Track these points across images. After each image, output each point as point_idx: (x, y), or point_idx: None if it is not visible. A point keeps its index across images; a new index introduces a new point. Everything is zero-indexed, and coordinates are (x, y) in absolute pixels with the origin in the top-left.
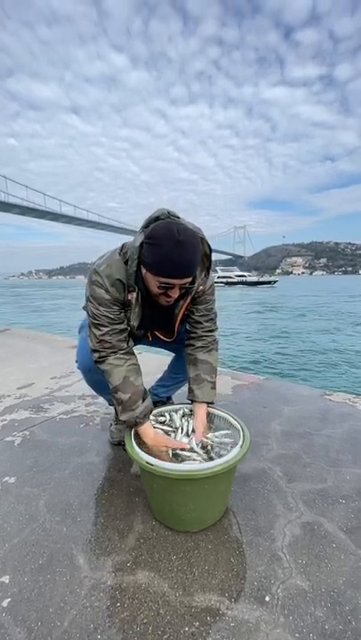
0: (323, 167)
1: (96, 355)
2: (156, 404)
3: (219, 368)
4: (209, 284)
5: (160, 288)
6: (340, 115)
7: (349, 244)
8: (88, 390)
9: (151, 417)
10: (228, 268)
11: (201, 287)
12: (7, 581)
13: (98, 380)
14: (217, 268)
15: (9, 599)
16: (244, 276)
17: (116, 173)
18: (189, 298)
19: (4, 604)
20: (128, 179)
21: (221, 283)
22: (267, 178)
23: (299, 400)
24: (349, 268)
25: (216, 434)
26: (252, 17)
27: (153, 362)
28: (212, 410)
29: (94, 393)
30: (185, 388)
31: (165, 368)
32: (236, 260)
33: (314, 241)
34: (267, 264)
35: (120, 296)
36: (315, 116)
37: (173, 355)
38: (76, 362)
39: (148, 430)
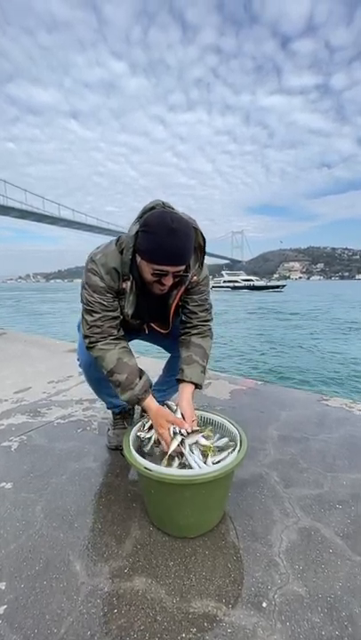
0: (319, 173)
1: (87, 340)
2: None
3: (216, 373)
4: (203, 274)
5: (154, 275)
6: (336, 122)
7: (346, 249)
8: (85, 394)
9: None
10: (234, 272)
11: (195, 277)
12: (3, 588)
13: (99, 377)
14: (223, 273)
15: (5, 606)
16: (252, 280)
17: (115, 178)
18: (183, 288)
19: (1, 610)
20: (127, 183)
21: (228, 287)
22: (264, 183)
23: (296, 405)
24: (346, 273)
25: (217, 442)
26: (250, 27)
27: (151, 365)
28: (209, 415)
29: (92, 397)
30: None
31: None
32: (233, 265)
33: (311, 246)
34: (264, 269)
35: (114, 284)
36: (311, 124)
37: (169, 355)
38: (78, 360)
39: (151, 404)
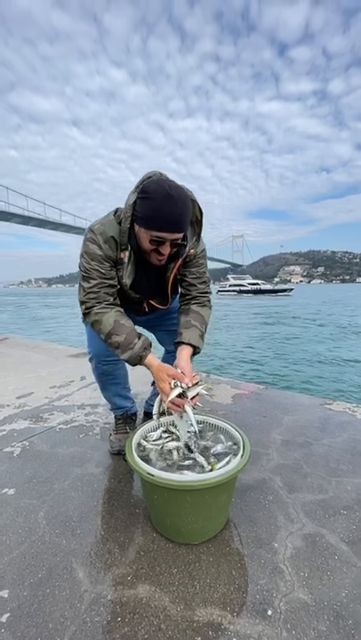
0: (318, 178)
1: (83, 307)
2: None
3: (218, 377)
4: (200, 247)
5: (152, 243)
6: (334, 127)
7: (346, 252)
8: (87, 399)
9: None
10: (240, 276)
11: (192, 250)
12: (6, 596)
13: (106, 371)
14: (229, 277)
15: (8, 614)
16: (258, 284)
17: (115, 184)
18: (180, 261)
19: (3, 619)
20: (127, 189)
21: (234, 291)
22: (264, 188)
23: (299, 409)
24: (347, 277)
25: (218, 449)
26: (248, 35)
27: None
28: (212, 419)
29: (94, 402)
30: None
31: None
32: (234, 269)
33: (311, 250)
34: (265, 272)
35: (112, 254)
36: (309, 129)
37: (163, 356)
38: (89, 353)
39: (153, 361)
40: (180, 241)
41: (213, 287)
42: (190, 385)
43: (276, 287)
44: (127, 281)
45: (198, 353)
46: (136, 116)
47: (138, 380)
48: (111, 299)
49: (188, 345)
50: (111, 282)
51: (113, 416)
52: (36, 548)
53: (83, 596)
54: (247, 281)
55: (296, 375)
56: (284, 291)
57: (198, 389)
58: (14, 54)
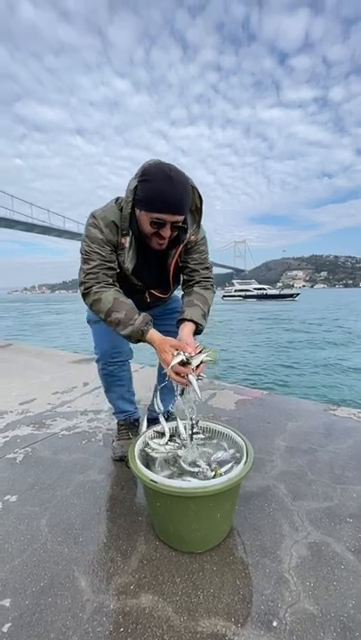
0: (320, 183)
1: (82, 287)
2: (156, 420)
3: (222, 383)
4: (201, 234)
5: (152, 226)
6: (335, 134)
7: (349, 257)
8: (90, 406)
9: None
10: (246, 281)
11: (193, 237)
12: (8, 605)
13: (112, 372)
14: (234, 282)
15: (9, 624)
16: (264, 289)
17: (118, 191)
18: (181, 247)
19: (5, 629)
20: None
21: (239, 296)
22: (266, 194)
23: (303, 415)
24: (350, 281)
25: (221, 456)
26: (249, 45)
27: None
28: (215, 425)
29: (96, 408)
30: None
31: None
32: (237, 274)
33: (314, 254)
34: (267, 277)
35: (113, 238)
36: (311, 136)
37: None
38: (96, 354)
39: (155, 335)
40: (180, 224)
41: (218, 293)
42: (193, 354)
43: (282, 292)
44: (129, 265)
45: (200, 332)
46: (139, 124)
47: (140, 386)
48: (110, 280)
49: (190, 322)
50: (111, 264)
51: (115, 422)
52: (38, 557)
53: (85, 606)
54: (253, 286)
55: (300, 381)
56: (291, 296)
57: (202, 357)
58: (21, 67)
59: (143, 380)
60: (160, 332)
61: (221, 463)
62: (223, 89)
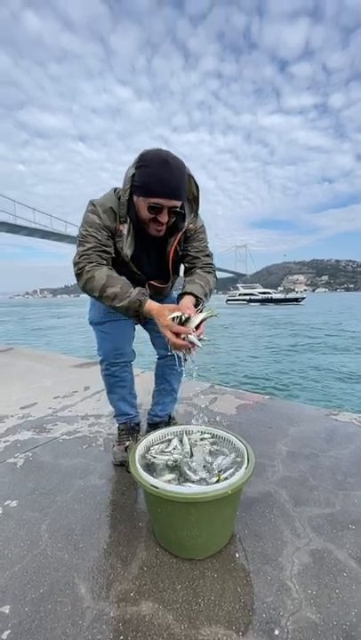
0: (320, 188)
1: (75, 268)
2: (157, 425)
3: (222, 387)
4: (199, 223)
5: (150, 211)
6: (335, 139)
7: (350, 261)
8: (91, 410)
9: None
10: (250, 285)
11: (192, 225)
12: (7, 611)
13: (114, 373)
14: (238, 285)
15: (9, 631)
16: (269, 293)
17: None
18: (180, 234)
19: (4, 636)
20: None
21: (244, 300)
22: (267, 199)
23: (304, 420)
24: (351, 285)
25: (222, 462)
26: (249, 53)
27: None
28: (216, 430)
29: (97, 413)
30: (188, 406)
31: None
32: (238, 278)
33: (315, 259)
34: (269, 282)
35: (111, 224)
36: (311, 141)
37: (155, 362)
38: (99, 355)
39: (153, 305)
40: (177, 209)
41: (222, 297)
42: (193, 315)
43: (287, 296)
44: (128, 251)
45: (200, 309)
46: (141, 130)
47: (140, 390)
48: (104, 262)
49: (190, 294)
50: (106, 248)
51: (116, 427)
52: (38, 563)
53: (85, 613)
54: (258, 290)
55: (302, 385)
56: (296, 300)
57: (202, 315)
58: (24, 74)
59: (144, 385)
60: (155, 332)
61: (223, 468)
62: (224, 96)
